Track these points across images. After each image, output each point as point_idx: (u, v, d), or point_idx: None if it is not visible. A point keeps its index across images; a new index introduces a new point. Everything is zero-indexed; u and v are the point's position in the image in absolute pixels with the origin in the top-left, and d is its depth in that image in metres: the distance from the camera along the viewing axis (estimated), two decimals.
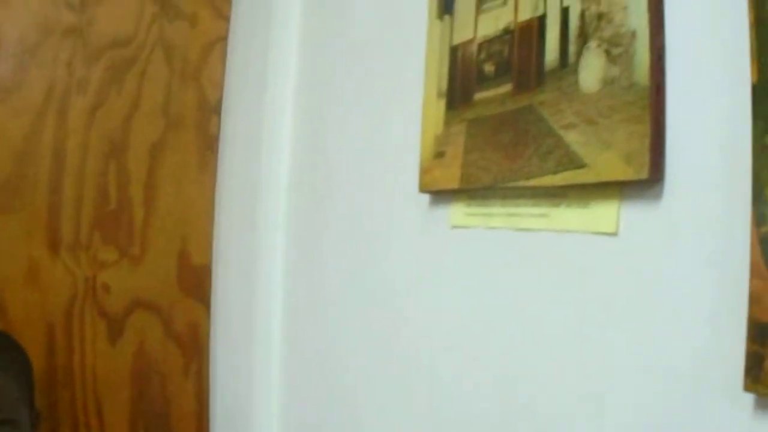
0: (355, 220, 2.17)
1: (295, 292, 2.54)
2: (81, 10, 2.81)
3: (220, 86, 2.84)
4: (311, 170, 2.51)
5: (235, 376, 2.78)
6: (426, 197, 1.81)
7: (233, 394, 2.78)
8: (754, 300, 0.98)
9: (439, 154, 1.70)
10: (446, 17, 1.75)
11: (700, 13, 1.13)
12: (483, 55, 1.58)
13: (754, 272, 0.98)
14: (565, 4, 1.34)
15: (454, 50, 1.70)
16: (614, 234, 1.24)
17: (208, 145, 2.81)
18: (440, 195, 1.76)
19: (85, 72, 2.79)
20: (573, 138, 1.27)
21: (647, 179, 1.14)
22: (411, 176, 1.82)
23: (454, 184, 1.63)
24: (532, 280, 1.44)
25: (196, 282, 2.78)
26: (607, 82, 1.21)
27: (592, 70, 1.25)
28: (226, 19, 2.97)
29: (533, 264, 1.45)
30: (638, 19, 1.17)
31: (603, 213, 1.26)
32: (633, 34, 1.17)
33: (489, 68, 1.55)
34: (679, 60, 1.15)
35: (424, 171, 1.77)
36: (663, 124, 1.14)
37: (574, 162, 1.26)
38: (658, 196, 1.16)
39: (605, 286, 1.27)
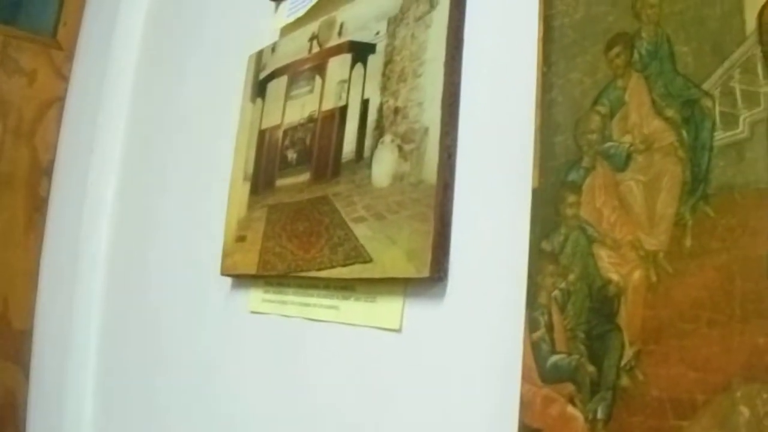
0: (164, 297, 2.11)
1: (107, 361, 2.43)
2: None
3: (53, 148, 2.73)
4: (129, 241, 2.44)
5: None
6: (228, 280, 1.77)
7: None
8: (525, 405, 0.98)
9: (241, 238, 1.67)
10: (258, 101, 1.73)
11: (492, 114, 1.15)
12: (287, 142, 1.57)
13: (525, 377, 0.99)
14: (365, 96, 1.34)
15: (262, 134, 1.68)
16: (398, 330, 1.23)
17: (36, 207, 2.69)
18: (240, 279, 1.72)
19: None
20: (362, 232, 1.26)
21: (429, 278, 1.12)
22: (215, 258, 1.77)
23: (253, 270, 1.60)
24: (322, 369, 1.41)
25: (15, 347, 2.62)
26: (398, 178, 1.21)
27: (384, 165, 1.25)
28: (65, 79, 2.88)
29: (324, 354, 1.42)
30: (432, 116, 1.18)
31: (388, 308, 1.24)
32: (426, 131, 1.18)
33: (292, 155, 1.54)
34: (469, 159, 1.16)
35: (226, 254, 1.73)
36: (449, 223, 1.15)
37: (362, 256, 1.25)
38: (440, 294, 1.16)
39: (388, 381, 1.25)
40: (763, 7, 0.81)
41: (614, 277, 0.90)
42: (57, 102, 2.87)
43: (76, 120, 2.81)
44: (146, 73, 2.61)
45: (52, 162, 2.84)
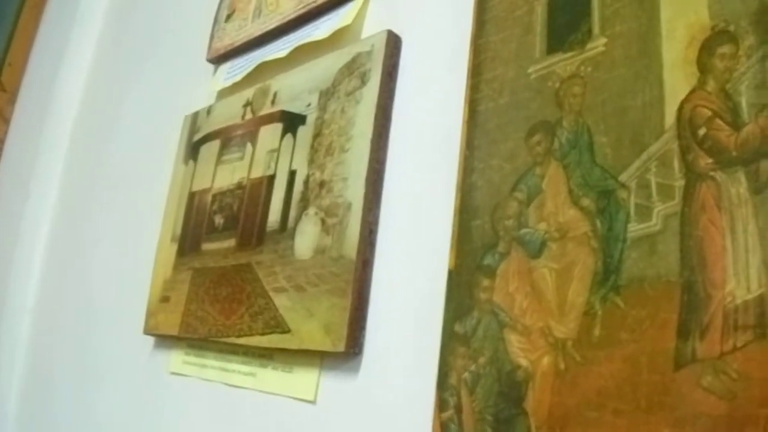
0: (88, 352, 2.06)
1: (31, 416, 2.36)
2: None
3: None
4: (57, 293, 2.38)
5: None
6: (151, 340, 1.73)
7: None
8: None
9: (165, 299, 1.64)
10: (191, 162, 1.71)
11: (415, 194, 1.15)
12: (216, 206, 1.55)
13: None
14: (293, 167, 1.33)
15: (192, 197, 1.66)
16: (313, 401, 1.21)
17: None
18: (163, 340, 1.68)
19: None
20: (282, 302, 1.25)
21: (344, 352, 1.11)
22: (139, 317, 1.73)
23: (175, 331, 1.56)
24: None
25: None
26: (319, 251, 1.20)
27: (307, 237, 1.24)
28: (6, 121, 2.82)
29: (241, 420, 1.39)
30: (355, 192, 1.17)
31: (304, 380, 1.22)
32: (349, 206, 1.17)
33: (219, 220, 1.52)
34: (390, 237, 1.15)
35: (149, 314, 1.70)
36: (366, 299, 1.13)
37: (280, 326, 1.23)
38: (355, 369, 1.14)
39: None
40: (683, 101, 0.82)
41: (523, 362, 0.89)
42: None
43: (14, 164, 2.75)
44: (86, 124, 2.59)
45: None
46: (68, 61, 2.68)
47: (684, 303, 0.76)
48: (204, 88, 1.83)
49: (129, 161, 2.19)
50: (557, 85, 0.96)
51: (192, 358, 1.56)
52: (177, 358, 1.62)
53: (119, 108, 2.36)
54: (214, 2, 1.92)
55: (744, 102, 0.77)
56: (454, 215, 1.03)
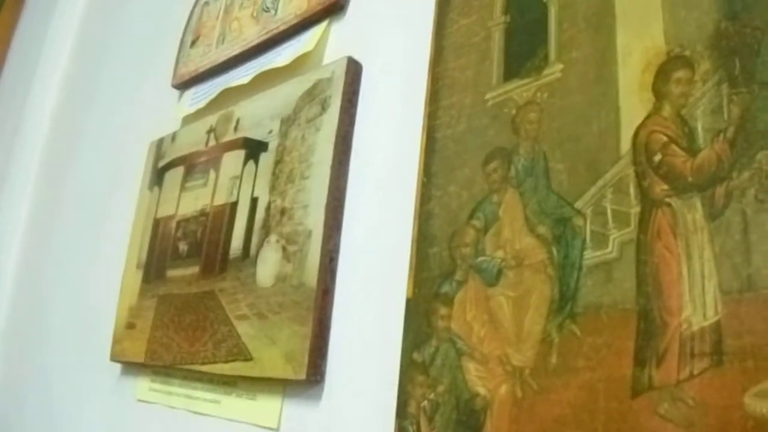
0: (55, 379, 2.03)
1: None
2: None
3: None
4: (24, 319, 2.36)
5: None
6: (117, 366, 1.70)
7: None
8: None
9: (131, 325, 1.62)
10: (156, 189, 1.70)
11: (374, 221, 1.14)
12: (180, 233, 1.53)
13: None
14: (255, 194, 1.32)
15: (157, 223, 1.64)
16: (276, 429, 1.19)
17: None
18: (129, 367, 1.66)
19: None
20: (244, 330, 1.23)
21: (305, 380, 1.09)
22: (105, 343, 1.71)
23: (141, 358, 1.54)
24: None
25: None
26: (280, 279, 1.19)
27: (268, 265, 1.22)
28: None
29: None
30: (316, 219, 1.16)
31: (267, 407, 1.20)
32: (309, 234, 1.16)
33: (183, 247, 1.50)
34: (350, 264, 1.14)
35: (116, 340, 1.68)
36: (327, 327, 1.12)
37: (243, 354, 1.21)
38: (317, 396, 1.13)
39: None
40: (639, 127, 0.82)
41: (481, 390, 0.88)
42: None
43: None
44: (53, 149, 2.58)
45: None
46: (35, 88, 2.68)
47: (640, 330, 0.76)
48: (169, 113, 1.82)
49: (95, 187, 2.17)
50: (514, 111, 0.95)
51: (158, 386, 1.54)
52: (143, 385, 1.60)
53: (86, 133, 2.36)
54: (180, 27, 1.90)
55: (700, 127, 0.77)
56: (412, 243, 1.02)
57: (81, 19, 2.79)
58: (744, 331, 0.67)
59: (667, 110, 0.80)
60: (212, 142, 1.54)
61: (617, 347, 0.77)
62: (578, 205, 0.85)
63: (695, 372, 0.70)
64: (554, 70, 0.93)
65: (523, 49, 0.98)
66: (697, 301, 0.72)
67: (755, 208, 0.70)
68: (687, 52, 0.80)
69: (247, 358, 1.20)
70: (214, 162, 1.50)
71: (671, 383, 0.72)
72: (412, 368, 0.96)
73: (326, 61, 1.34)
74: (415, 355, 0.96)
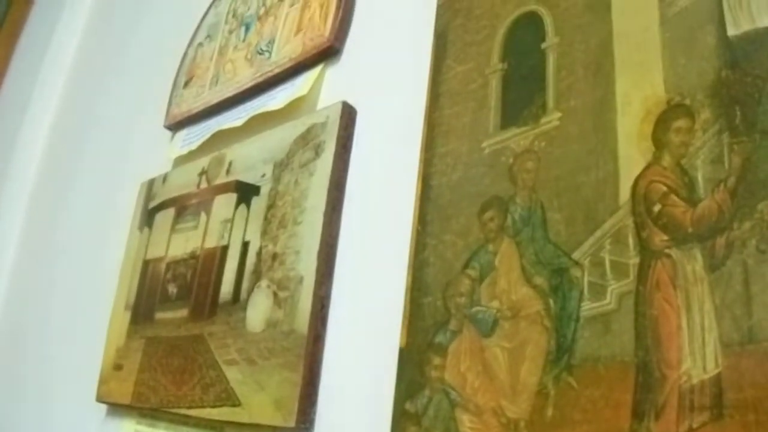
0: (43, 419, 2.00)
1: None
2: None
3: None
4: (10, 357, 2.32)
5: None
6: (103, 408, 1.67)
7: None
8: None
9: (118, 367, 1.59)
10: (146, 230, 1.68)
11: (367, 269, 1.12)
12: (169, 275, 1.51)
13: None
14: (246, 238, 1.30)
15: (146, 264, 1.62)
16: None
17: None
18: (115, 408, 1.63)
19: None
20: (233, 375, 1.21)
21: (294, 428, 1.07)
22: (92, 384, 1.68)
23: (127, 400, 1.51)
24: None
25: None
26: (271, 324, 1.16)
27: (259, 310, 1.20)
28: None
29: None
30: (308, 265, 1.14)
31: None
32: (301, 280, 1.14)
33: (172, 289, 1.48)
34: (342, 311, 1.12)
35: (102, 381, 1.65)
36: (317, 374, 1.10)
37: (231, 399, 1.19)
38: None
39: None
40: (638, 177, 0.80)
41: None
42: None
43: None
44: (45, 187, 2.57)
45: None
46: (26, 126, 2.67)
47: (639, 383, 0.74)
48: (161, 154, 1.80)
49: (86, 227, 2.15)
50: (511, 160, 0.94)
51: (144, 428, 1.51)
52: (129, 427, 1.57)
53: (77, 172, 2.34)
54: (174, 67, 1.90)
55: (700, 177, 0.75)
56: (406, 292, 1.00)
57: (75, 55, 2.79)
58: (745, 384, 0.66)
59: (666, 160, 0.79)
60: (204, 185, 1.52)
61: (615, 400, 0.75)
62: (576, 255, 0.83)
63: (695, 426, 0.68)
64: (552, 119, 0.92)
65: (521, 97, 0.97)
66: (697, 353, 0.70)
67: (757, 258, 0.68)
68: (687, 101, 0.79)
69: (236, 403, 1.18)
70: (206, 204, 1.48)
71: None
72: (405, 419, 0.93)
73: (321, 105, 1.33)
74: (408, 406, 0.94)
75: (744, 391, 0.66)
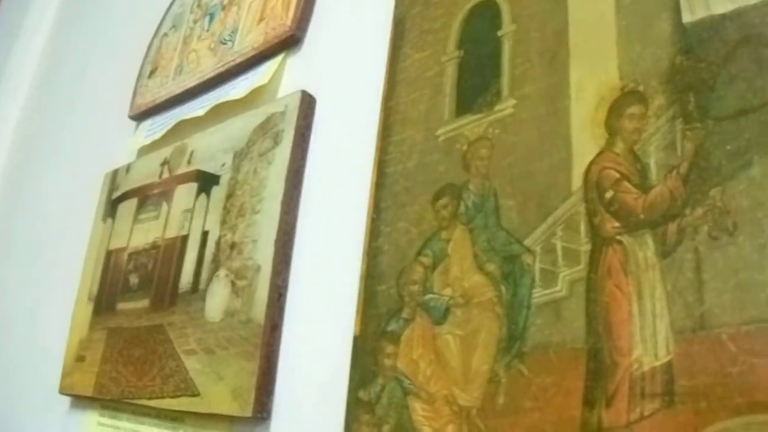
0: (4, 411, 1.97)
1: None
2: None
3: None
4: None
5: None
6: (67, 400, 1.65)
7: None
8: None
9: (80, 358, 1.57)
10: (109, 220, 1.66)
11: (324, 257, 1.11)
12: (131, 266, 1.49)
13: None
14: (206, 227, 1.29)
15: (109, 255, 1.60)
16: None
17: None
18: (78, 400, 1.61)
19: None
20: (192, 365, 1.20)
21: (251, 417, 1.05)
22: (55, 376, 1.66)
23: (89, 392, 1.50)
24: None
25: None
26: (229, 314, 1.15)
27: (217, 299, 1.19)
28: None
29: None
30: (265, 254, 1.13)
31: None
32: (258, 269, 1.13)
33: (134, 280, 1.46)
34: (299, 300, 1.11)
35: (65, 373, 1.63)
36: (274, 363, 1.09)
37: (190, 389, 1.17)
38: None
39: None
40: (591, 164, 0.79)
41: (427, 430, 0.85)
42: None
43: None
44: (8, 180, 2.55)
45: None
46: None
47: (590, 370, 0.73)
48: (126, 145, 1.78)
49: (51, 217, 2.13)
50: (465, 147, 0.93)
51: (106, 420, 1.49)
52: (92, 419, 1.55)
53: (42, 162, 2.31)
54: (140, 58, 1.87)
55: (653, 163, 0.75)
56: (361, 280, 0.98)
57: (42, 46, 2.76)
58: (697, 371, 0.65)
59: (619, 146, 0.78)
60: (166, 174, 1.51)
61: (566, 387, 0.74)
62: (528, 242, 0.82)
63: (646, 413, 0.68)
64: (506, 106, 0.91)
65: (476, 84, 0.96)
66: (648, 340, 0.69)
67: (708, 245, 0.67)
68: (641, 88, 0.78)
69: (195, 393, 1.16)
70: (167, 194, 1.46)
71: (621, 425, 0.69)
72: (358, 407, 0.92)
73: (281, 94, 1.31)
74: (362, 394, 0.93)
75: (695, 378, 0.65)
